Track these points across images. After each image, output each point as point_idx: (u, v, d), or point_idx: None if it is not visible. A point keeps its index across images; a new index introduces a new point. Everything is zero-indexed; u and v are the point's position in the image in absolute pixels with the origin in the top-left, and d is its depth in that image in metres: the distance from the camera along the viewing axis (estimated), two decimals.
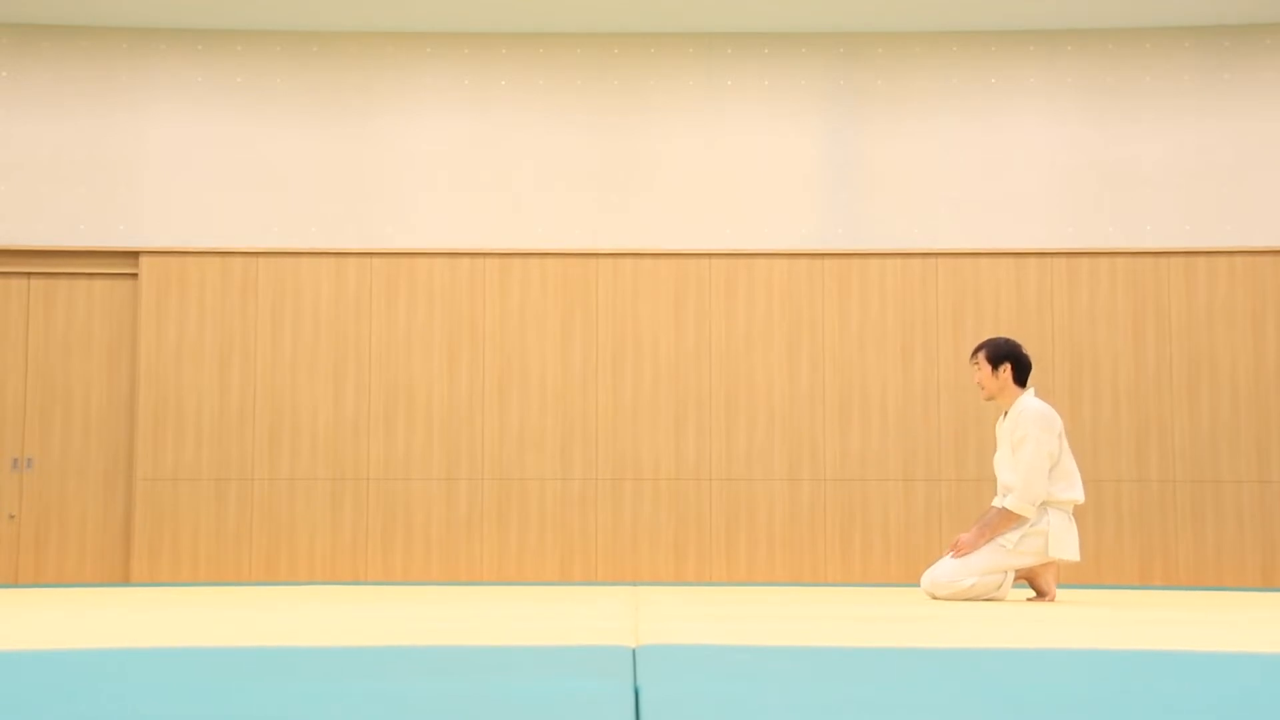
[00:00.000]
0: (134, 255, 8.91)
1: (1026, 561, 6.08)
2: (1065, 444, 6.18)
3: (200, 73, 9.05)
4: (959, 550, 6.07)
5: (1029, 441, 6.03)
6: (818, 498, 8.77)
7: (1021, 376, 6.20)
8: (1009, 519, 6.05)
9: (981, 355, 6.22)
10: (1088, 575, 8.63)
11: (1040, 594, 6.17)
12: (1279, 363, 8.79)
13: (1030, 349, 8.78)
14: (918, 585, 6.74)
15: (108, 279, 8.91)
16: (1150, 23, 9.04)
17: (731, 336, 8.86)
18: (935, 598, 6.07)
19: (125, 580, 8.72)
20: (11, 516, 8.75)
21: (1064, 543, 6.05)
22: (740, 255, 8.92)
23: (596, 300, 8.89)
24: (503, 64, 9.10)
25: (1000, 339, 6.34)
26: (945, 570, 6.07)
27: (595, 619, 4.37)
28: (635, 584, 8.30)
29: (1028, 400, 6.16)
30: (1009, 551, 6.05)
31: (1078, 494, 6.12)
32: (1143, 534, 8.69)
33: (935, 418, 8.75)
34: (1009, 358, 6.19)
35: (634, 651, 3.04)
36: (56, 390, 8.82)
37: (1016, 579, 6.18)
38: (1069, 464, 6.16)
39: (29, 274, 8.88)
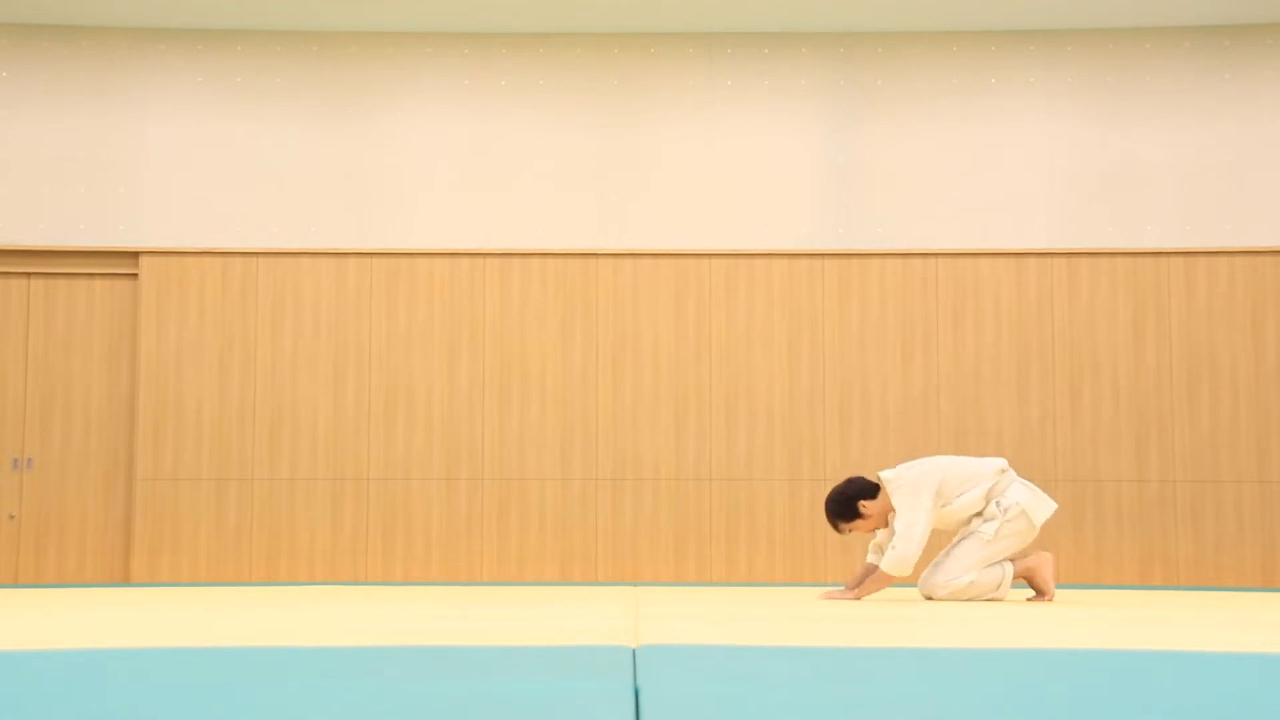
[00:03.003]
0: (134, 255, 8.91)
1: (1018, 544, 6.05)
2: (952, 462, 6.13)
3: (200, 73, 9.05)
4: (832, 599, 6.04)
5: (901, 512, 6.00)
6: (818, 498, 8.74)
7: (872, 493, 6.11)
8: (884, 579, 6.03)
9: (838, 522, 6.13)
10: (1088, 575, 8.64)
11: (1040, 593, 6.17)
12: (1279, 363, 8.79)
13: (1030, 349, 8.83)
14: (917, 586, 6.74)
15: (108, 279, 8.91)
16: (1150, 23, 9.04)
17: (731, 336, 8.86)
18: (933, 599, 6.06)
19: (125, 580, 8.72)
20: (11, 516, 8.75)
21: (1039, 506, 6.04)
22: (740, 255, 8.93)
23: (596, 300, 8.89)
24: (503, 64, 9.11)
25: (829, 497, 6.17)
26: (942, 572, 6.06)
27: (595, 619, 4.37)
28: (635, 584, 8.30)
29: (893, 485, 6.07)
30: (991, 539, 6.00)
31: (997, 463, 6.10)
32: (1143, 534, 8.69)
33: (935, 418, 8.75)
34: (855, 497, 6.09)
35: (634, 651, 3.04)
36: (56, 390, 8.82)
37: (1016, 578, 6.17)
38: (969, 465, 6.12)
39: (29, 274, 8.88)
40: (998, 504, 6.02)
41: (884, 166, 9.02)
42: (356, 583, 8.56)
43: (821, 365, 8.83)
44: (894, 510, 6.10)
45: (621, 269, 8.92)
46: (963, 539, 6.08)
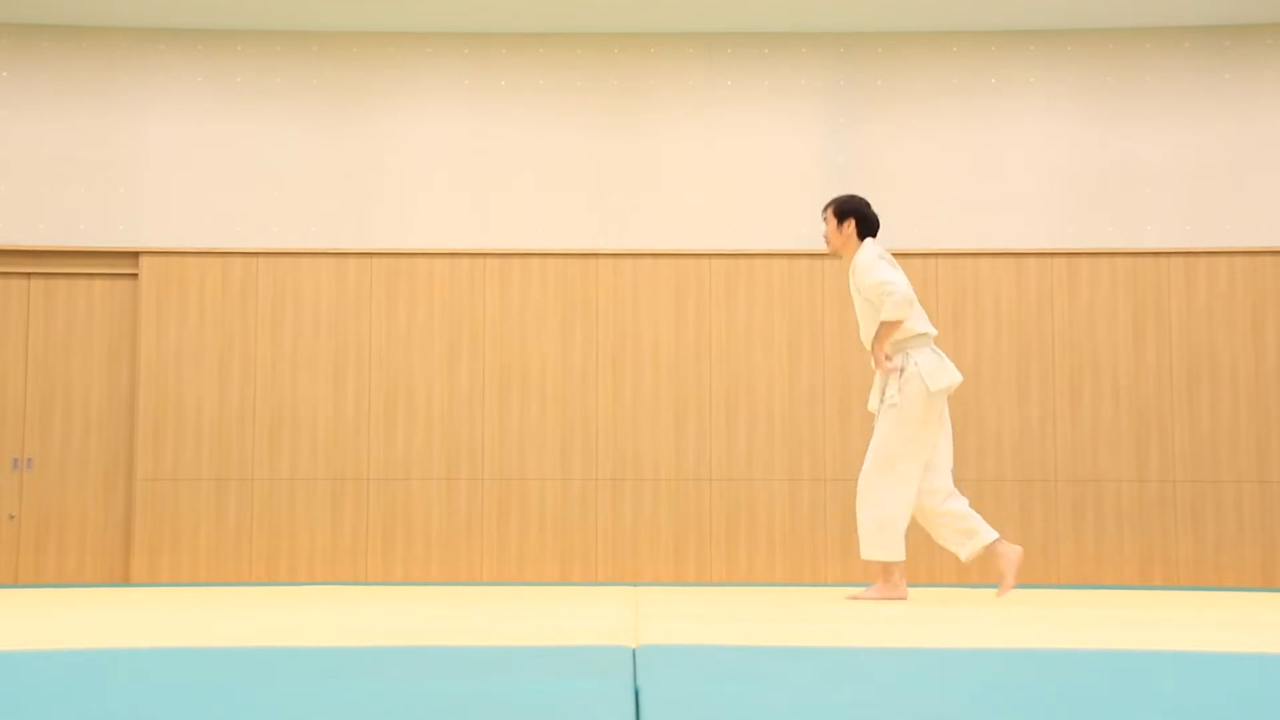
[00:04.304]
0: (134, 255, 8.91)
1: (922, 407, 6.01)
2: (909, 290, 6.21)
3: (200, 73, 9.05)
4: (883, 369, 6.03)
5: (872, 277, 6.06)
6: (818, 498, 8.76)
7: (866, 231, 6.25)
8: (890, 327, 6.02)
9: (829, 210, 6.30)
10: (1088, 575, 8.64)
11: (1001, 579, 6.10)
12: (1279, 363, 8.79)
13: (1030, 349, 8.83)
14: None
15: (108, 279, 8.91)
16: (1150, 23, 9.04)
17: (731, 336, 8.86)
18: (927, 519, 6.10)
19: (125, 580, 8.71)
20: (11, 516, 8.75)
21: (940, 373, 6.03)
22: (740, 255, 8.92)
23: (596, 300, 8.89)
24: (503, 64, 9.11)
25: (848, 195, 6.38)
26: (860, 479, 6.13)
27: (595, 619, 4.37)
28: (635, 584, 8.30)
29: (860, 255, 6.18)
30: (904, 408, 6.00)
31: (923, 327, 6.11)
32: (1143, 534, 8.69)
33: None
34: (854, 213, 6.25)
35: (634, 651, 3.05)
36: (56, 390, 8.82)
37: (989, 556, 6.12)
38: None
39: (29, 274, 8.88)
40: (903, 367, 6.04)
41: (884, 166, 9.02)
42: (356, 583, 8.56)
43: (821, 365, 8.82)
44: (855, 283, 6.18)
45: (621, 269, 8.92)
46: (883, 410, 6.09)
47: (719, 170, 9.02)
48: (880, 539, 6.03)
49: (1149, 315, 8.83)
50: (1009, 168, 9.00)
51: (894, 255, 8.83)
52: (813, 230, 8.99)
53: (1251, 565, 8.66)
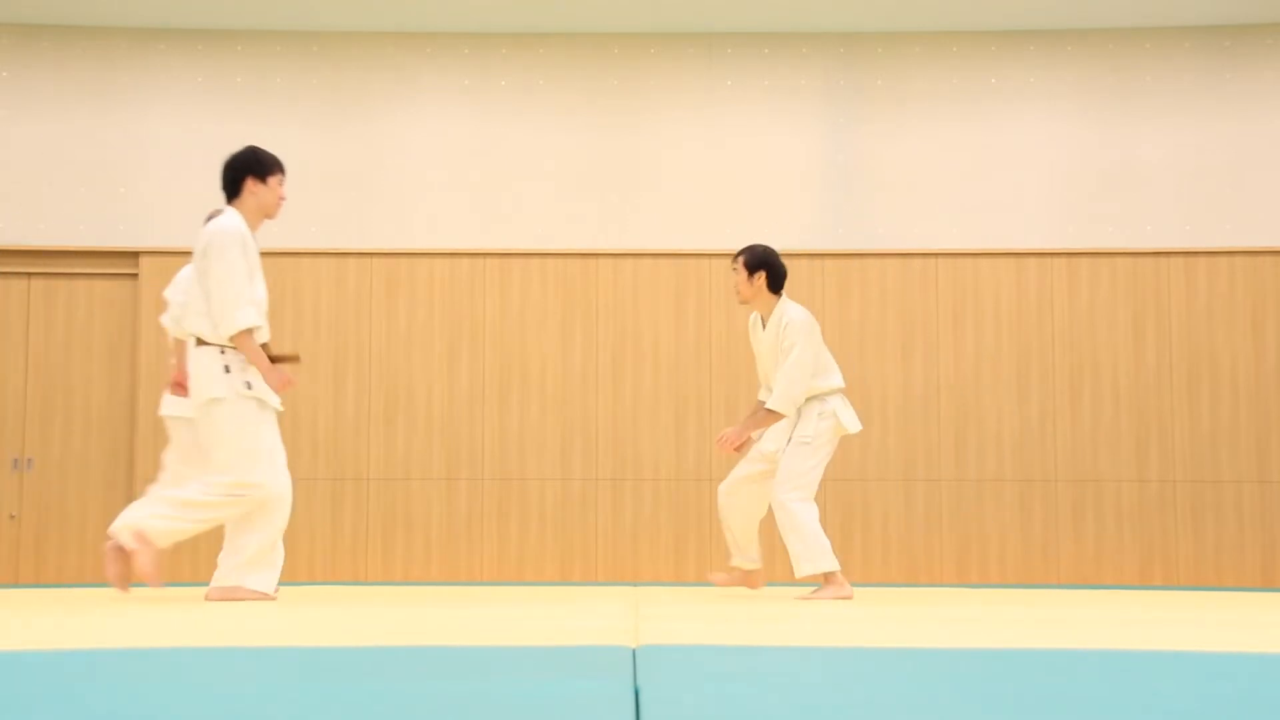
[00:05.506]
0: (134, 255, 8.91)
1: (831, 445, 6.34)
2: (820, 340, 6.49)
3: (200, 73, 9.05)
4: (726, 443, 6.34)
5: (796, 349, 6.29)
6: (818, 498, 8.74)
7: (776, 284, 6.43)
8: (772, 416, 6.36)
9: (740, 261, 6.45)
10: (1088, 575, 8.63)
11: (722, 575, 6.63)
12: (1279, 363, 8.79)
13: (1030, 349, 8.83)
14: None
15: (108, 279, 8.91)
16: (1150, 23, 9.04)
17: (732, 336, 8.86)
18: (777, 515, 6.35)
19: None
20: (12, 516, 8.75)
21: (849, 418, 6.37)
22: None
23: (596, 300, 8.89)
24: (503, 64, 9.10)
25: (759, 246, 6.51)
26: (780, 486, 6.27)
27: (595, 619, 4.37)
28: (635, 584, 8.29)
29: (790, 310, 6.41)
30: (815, 444, 6.28)
31: (840, 380, 6.42)
32: (1143, 534, 8.69)
33: (935, 418, 8.75)
34: (764, 265, 6.42)
35: (634, 651, 3.05)
36: (56, 390, 8.82)
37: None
38: (828, 357, 6.44)
39: (29, 274, 8.88)
40: (819, 412, 6.32)
41: (884, 167, 9.02)
42: (356, 583, 8.55)
43: None
44: (777, 337, 6.38)
45: (621, 269, 8.92)
46: (792, 446, 6.34)
47: (719, 170, 9.02)
48: (812, 555, 6.29)
49: (1149, 315, 8.83)
50: (1009, 168, 9.00)
51: (893, 256, 8.87)
52: (813, 230, 8.99)
53: (1251, 565, 8.66)
